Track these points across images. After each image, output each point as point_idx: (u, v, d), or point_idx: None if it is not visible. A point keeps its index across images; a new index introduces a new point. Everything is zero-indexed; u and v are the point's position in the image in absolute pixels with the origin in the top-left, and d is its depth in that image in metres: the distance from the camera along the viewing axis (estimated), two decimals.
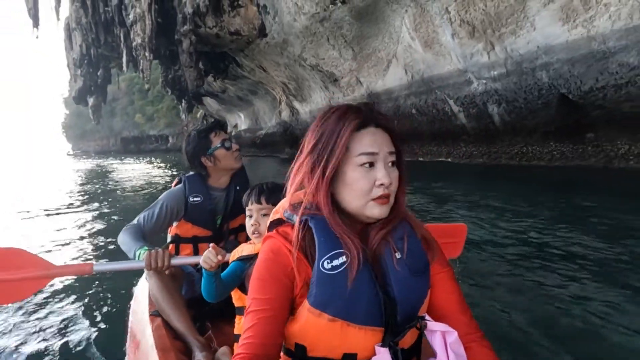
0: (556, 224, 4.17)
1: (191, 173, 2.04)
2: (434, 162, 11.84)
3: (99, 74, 17.71)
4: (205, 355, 1.45)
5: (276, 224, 0.92)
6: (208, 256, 1.32)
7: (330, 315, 0.81)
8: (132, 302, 2.16)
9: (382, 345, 0.82)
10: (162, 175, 15.66)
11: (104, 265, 1.70)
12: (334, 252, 0.83)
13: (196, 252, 1.97)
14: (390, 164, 0.87)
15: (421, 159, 12.49)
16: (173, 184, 2.07)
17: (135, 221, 1.90)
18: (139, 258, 1.67)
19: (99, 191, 10.96)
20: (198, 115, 41.64)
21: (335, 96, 15.27)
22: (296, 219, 0.86)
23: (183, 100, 29.10)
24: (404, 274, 0.86)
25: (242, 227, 2.01)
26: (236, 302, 1.43)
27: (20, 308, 2.76)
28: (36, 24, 17.75)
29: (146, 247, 1.70)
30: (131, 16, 13.49)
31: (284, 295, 0.84)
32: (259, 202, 1.41)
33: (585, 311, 2.35)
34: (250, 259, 1.40)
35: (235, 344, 1.39)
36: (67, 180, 14.39)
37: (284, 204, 0.94)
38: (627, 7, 6.05)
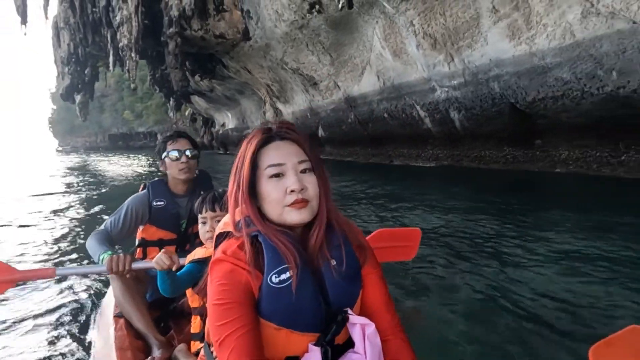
0: (506, 223, 4.55)
1: (156, 179, 2.16)
2: (404, 167, 12.54)
3: (86, 72, 18.09)
4: (162, 352, 1.52)
5: (222, 236, 0.97)
6: (161, 258, 1.44)
7: (275, 325, 0.87)
8: (101, 306, 2.22)
9: (316, 344, 0.89)
10: (152, 172, 16.12)
11: (66, 270, 1.74)
12: (281, 267, 0.88)
13: None
14: (304, 171, 0.94)
15: (396, 163, 13.20)
16: (140, 189, 2.15)
17: (102, 227, 1.97)
18: (102, 262, 1.72)
19: (85, 189, 11.39)
20: (186, 114, 41.89)
21: (315, 99, 15.91)
22: (244, 236, 0.91)
23: (171, 99, 29.41)
24: (338, 279, 0.92)
25: None
26: (191, 303, 1.53)
27: None
28: (24, 21, 18.06)
29: (110, 252, 1.75)
30: (118, 18, 13.96)
31: (249, 311, 0.86)
32: (213, 210, 1.51)
33: (535, 301, 2.49)
34: (203, 261, 1.51)
35: (192, 342, 1.53)
36: (54, 179, 14.78)
37: (228, 220, 0.99)
38: (561, 28, 6.78)
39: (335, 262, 0.93)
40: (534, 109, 7.94)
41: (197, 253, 1.55)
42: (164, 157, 2.08)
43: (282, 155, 0.93)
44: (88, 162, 25.61)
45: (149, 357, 1.52)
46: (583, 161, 7.84)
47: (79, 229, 5.38)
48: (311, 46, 13.39)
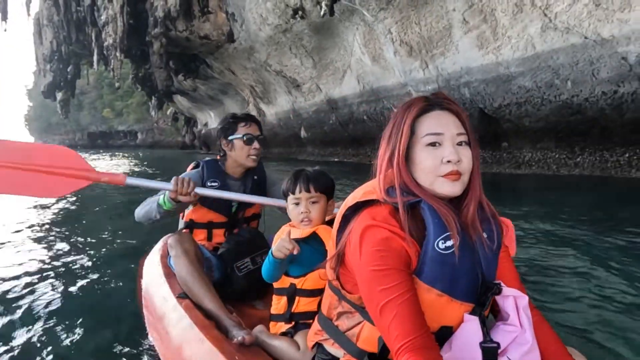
0: None
1: (208, 159, 2.06)
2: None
3: (69, 69, 18.06)
4: (248, 333, 1.43)
5: (361, 205, 0.95)
6: (284, 245, 1.33)
7: (438, 290, 0.87)
8: (143, 291, 2.10)
9: (472, 314, 0.90)
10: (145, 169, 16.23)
11: (136, 180, 1.72)
12: (446, 234, 0.88)
13: (210, 238, 1.98)
14: (460, 143, 0.92)
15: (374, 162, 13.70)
16: (189, 168, 2.05)
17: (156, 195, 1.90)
18: (161, 200, 1.73)
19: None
20: (168, 113, 41.67)
21: (298, 100, 16.35)
22: (397, 202, 0.90)
23: (153, 97, 29.36)
24: (489, 252, 0.94)
25: (255, 216, 2.11)
26: (276, 284, 1.47)
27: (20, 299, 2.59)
28: (4, 17, 17.93)
29: (166, 193, 1.72)
30: (103, 17, 14.10)
31: (407, 277, 0.86)
32: (308, 191, 1.42)
33: None
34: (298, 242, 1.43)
35: (272, 322, 1.47)
36: None
37: (374, 185, 0.97)
38: (523, 40, 7.42)
39: (486, 235, 0.94)
40: (500, 114, 8.58)
41: (292, 233, 1.44)
42: (233, 139, 1.96)
43: (442, 124, 0.93)
44: None
45: (238, 338, 1.39)
46: (544, 162, 8.52)
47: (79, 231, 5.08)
48: (294, 49, 13.83)
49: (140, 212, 1.85)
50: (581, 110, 7.05)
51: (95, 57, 15.15)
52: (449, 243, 0.88)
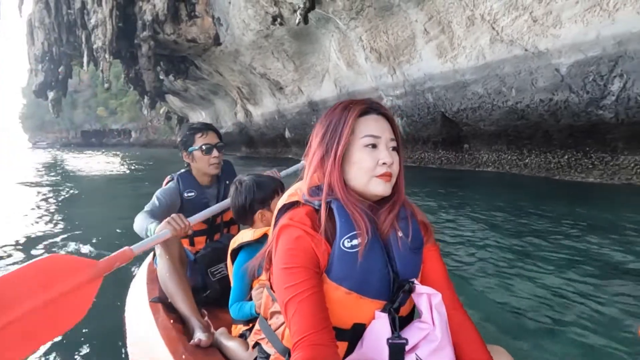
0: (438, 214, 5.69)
1: (182, 170, 2.12)
2: None
3: (60, 70, 18.57)
4: (207, 336, 1.51)
5: (287, 207, 0.98)
6: (174, 220, 1.49)
7: (346, 288, 0.91)
8: (128, 296, 2.17)
9: (382, 311, 0.92)
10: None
11: (140, 246, 1.59)
12: (353, 233, 0.92)
13: (192, 246, 2.07)
14: (391, 148, 0.98)
15: None
16: (164, 183, 2.10)
17: (146, 208, 1.93)
18: (149, 230, 1.71)
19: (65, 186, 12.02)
20: (161, 112, 42.08)
21: (282, 102, 16.95)
22: (317, 202, 0.95)
23: (146, 97, 29.78)
24: (404, 250, 0.97)
25: (234, 221, 2.11)
26: (254, 285, 1.53)
27: None
28: None
29: (157, 222, 1.73)
30: (93, 20, 14.63)
31: (314, 275, 0.90)
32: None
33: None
34: (251, 244, 1.52)
35: (234, 325, 1.57)
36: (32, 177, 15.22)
37: (299, 187, 1.02)
38: (476, 50, 8.07)
39: (402, 234, 0.97)
40: (459, 117, 9.24)
41: (245, 236, 1.54)
42: (192, 150, 2.04)
43: (380, 128, 0.98)
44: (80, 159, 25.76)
45: (194, 340, 1.50)
46: (498, 163, 9.19)
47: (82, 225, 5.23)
48: (276, 54, 14.44)
49: (135, 226, 1.84)
50: (525, 116, 7.71)
51: (85, 59, 15.66)
52: (355, 242, 0.91)
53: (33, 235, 4.72)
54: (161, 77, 21.35)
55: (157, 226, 1.69)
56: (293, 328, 0.86)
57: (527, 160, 8.52)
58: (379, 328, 0.91)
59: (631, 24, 5.73)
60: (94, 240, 4.33)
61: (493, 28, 7.57)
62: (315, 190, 0.98)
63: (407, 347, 0.90)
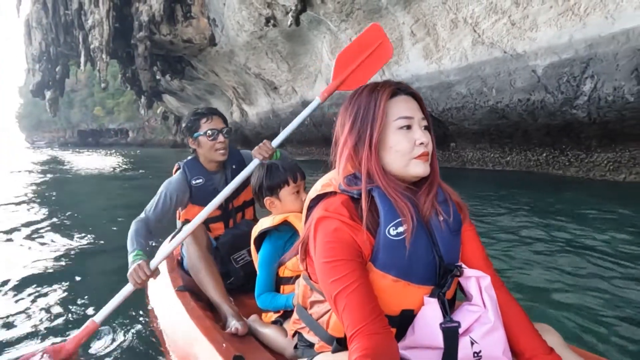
0: None
1: (188, 158, 2.10)
2: None
3: (57, 70, 18.80)
4: (243, 324, 1.49)
5: (320, 197, 0.97)
6: (136, 273, 1.52)
7: (393, 276, 0.90)
8: (149, 287, 2.15)
9: (431, 296, 0.92)
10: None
11: (103, 312, 1.65)
12: (398, 220, 0.91)
13: (209, 232, 2.05)
14: (424, 128, 0.97)
15: None
16: (173, 171, 2.09)
17: (142, 214, 1.90)
18: (129, 261, 1.68)
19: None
20: (158, 111, 42.29)
21: (276, 102, 17.26)
22: (356, 191, 0.93)
23: (142, 97, 30.03)
24: (447, 233, 0.96)
25: (246, 204, 2.14)
26: (280, 273, 1.52)
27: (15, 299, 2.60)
28: None
29: (139, 252, 1.69)
30: (90, 21, 14.89)
31: (357, 266, 0.89)
32: (304, 177, 1.53)
33: None
34: (272, 232, 1.52)
35: (264, 313, 1.58)
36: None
37: (333, 177, 1.00)
38: (459, 52, 8.40)
39: (443, 216, 0.96)
40: (444, 117, 9.57)
41: (265, 223, 1.54)
42: (198, 136, 2.01)
43: (411, 108, 0.96)
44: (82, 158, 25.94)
45: (231, 329, 1.48)
46: (482, 161, 9.53)
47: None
48: (270, 54, 14.74)
49: (129, 236, 1.84)
50: (505, 115, 8.05)
51: (82, 59, 15.91)
52: (401, 229, 0.90)
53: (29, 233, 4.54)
54: (158, 77, 21.65)
55: (133, 258, 1.67)
56: (346, 321, 0.85)
57: (508, 158, 8.86)
58: (430, 313, 0.91)
59: (600, 28, 6.07)
60: (88, 238, 4.25)
61: (475, 31, 7.90)
62: (352, 179, 0.96)
63: (460, 331, 0.90)
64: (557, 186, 7.10)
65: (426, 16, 8.74)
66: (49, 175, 12.99)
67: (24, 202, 6.99)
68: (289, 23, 10.69)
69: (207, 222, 1.99)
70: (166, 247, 1.77)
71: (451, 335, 0.89)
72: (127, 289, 1.65)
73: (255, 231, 1.56)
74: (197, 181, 2.03)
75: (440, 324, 0.89)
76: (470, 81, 8.37)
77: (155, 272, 1.66)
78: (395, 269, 0.90)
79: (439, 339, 0.89)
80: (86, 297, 2.61)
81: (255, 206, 2.19)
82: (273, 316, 1.54)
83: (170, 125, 42.00)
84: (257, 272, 1.56)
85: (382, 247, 0.90)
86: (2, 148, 50.61)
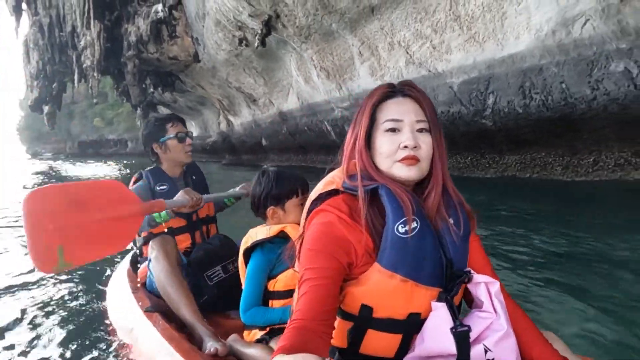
0: None
1: (148, 168, 2.05)
2: (323, 169, 15.24)
3: (54, 86, 20.18)
4: (222, 344, 1.41)
5: (324, 197, 0.97)
6: (189, 195, 1.52)
7: (401, 276, 0.88)
8: (111, 308, 2.06)
9: (438, 301, 0.90)
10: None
11: (171, 202, 1.65)
12: (405, 218, 0.90)
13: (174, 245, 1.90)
14: (420, 130, 0.96)
15: (319, 166, 15.92)
16: (132, 182, 2.01)
17: None
18: (158, 217, 1.71)
19: None
20: None
21: (256, 113, 18.55)
22: (358, 189, 0.92)
23: (138, 108, 31.40)
24: (456, 238, 0.96)
25: (209, 219, 2.10)
26: (270, 287, 1.43)
27: None
28: None
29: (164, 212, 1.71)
30: (82, 42, 16.25)
31: (336, 266, 0.88)
32: (308, 189, 1.43)
33: None
34: (265, 243, 1.42)
35: (245, 330, 1.49)
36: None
37: (337, 175, 1.01)
38: (397, 70, 9.66)
39: (453, 223, 0.96)
40: None
41: (260, 233, 1.44)
42: (165, 140, 2.00)
43: (402, 111, 0.96)
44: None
45: (210, 350, 1.39)
46: (456, 167, 10.71)
47: None
48: (247, 70, 16.04)
49: None
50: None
51: (76, 77, 17.26)
52: (409, 227, 0.90)
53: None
54: (150, 90, 22.99)
55: (159, 213, 1.66)
56: (297, 306, 0.85)
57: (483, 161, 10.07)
58: (440, 318, 0.89)
59: (494, 53, 7.32)
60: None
61: (407, 52, 9.16)
62: (354, 176, 0.96)
63: (472, 337, 0.88)
64: (482, 186, 8.28)
65: (369, 39, 10.01)
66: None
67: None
68: (255, 45, 11.98)
69: (172, 233, 1.94)
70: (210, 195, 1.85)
71: (463, 339, 0.87)
72: (183, 202, 1.66)
73: (247, 242, 1.46)
74: (162, 187, 2.00)
75: (451, 329, 0.88)
76: None
77: (202, 200, 1.74)
78: (404, 267, 0.89)
79: (450, 345, 0.87)
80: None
81: (217, 222, 2.19)
82: (258, 334, 1.44)
83: None
84: (244, 286, 1.44)
85: (390, 245, 0.89)
86: (6, 159, 51.66)
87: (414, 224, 0.91)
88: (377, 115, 0.98)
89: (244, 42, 13.51)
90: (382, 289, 0.89)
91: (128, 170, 21.42)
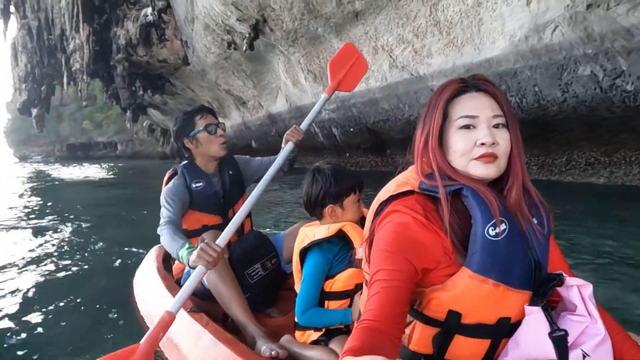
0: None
1: (184, 162, 1.98)
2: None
3: (42, 89, 20.17)
4: (279, 346, 1.37)
5: (394, 198, 0.93)
6: (207, 253, 1.34)
7: (494, 280, 0.84)
8: (142, 310, 2.00)
9: (531, 304, 0.87)
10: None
11: (177, 301, 1.35)
12: (494, 220, 0.85)
13: None
14: (497, 126, 0.90)
15: (307, 167, 16.16)
16: (165, 179, 1.95)
17: (162, 221, 1.76)
18: (182, 258, 1.55)
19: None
20: (144, 125, 43.46)
21: (246, 115, 18.75)
22: (439, 190, 0.88)
23: (128, 111, 31.35)
24: (540, 238, 0.92)
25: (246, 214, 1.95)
26: (327, 287, 1.39)
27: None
28: None
29: (187, 244, 1.58)
30: (71, 46, 16.32)
31: (410, 269, 0.85)
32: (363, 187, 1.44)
33: None
34: (322, 242, 1.37)
35: (297, 331, 1.44)
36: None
37: (410, 175, 0.97)
38: (381, 73, 9.94)
39: (537, 222, 0.93)
40: (376, 127, 11.10)
41: (319, 233, 1.40)
42: (196, 134, 1.93)
43: (477, 106, 0.91)
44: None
45: (271, 353, 1.32)
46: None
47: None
48: (236, 73, 16.24)
49: (164, 244, 1.72)
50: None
51: (65, 79, 17.30)
52: (499, 229, 0.85)
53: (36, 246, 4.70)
54: (140, 92, 23.06)
55: (187, 251, 1.53)
56: (368, 307, 0.83)
57: None
58: (536, 322, 0.86)
59: (472, 57, 7.63)
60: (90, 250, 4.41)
61: (390, 56, 9.45)
62: (432, 176, 0.92)
63: (569, 342, 0.85)
64: None
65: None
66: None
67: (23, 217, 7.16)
68: (244, 49, 12.20)
69: (207, 230, 1.84)
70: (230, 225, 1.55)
71: (561, 344, 0.85)
72: (199, 272, 1.42)
73: (304, 241, 1.43)
74: (198, 184, 1.93)
75: (549, 334, 0.85)
76: (390, 98, 9.90)
77: (224, 250, 1.50)
78: (496, 272, 0.85)
79: (549, 350, 0.84)
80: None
81: (252, 216, 2.07)
82: (313, 335, 1.39)
83: (157, 137, 43.12)
84: (301, 287, 1.41)
85: (480, 249, 0.86)
86: None
87: (503, 226, 0.87)
88: (449, 112, 0.93)
89: (233, 45, 13.71)
90: (473, 294, 0.86)
91: (117, 172, 21.43)
